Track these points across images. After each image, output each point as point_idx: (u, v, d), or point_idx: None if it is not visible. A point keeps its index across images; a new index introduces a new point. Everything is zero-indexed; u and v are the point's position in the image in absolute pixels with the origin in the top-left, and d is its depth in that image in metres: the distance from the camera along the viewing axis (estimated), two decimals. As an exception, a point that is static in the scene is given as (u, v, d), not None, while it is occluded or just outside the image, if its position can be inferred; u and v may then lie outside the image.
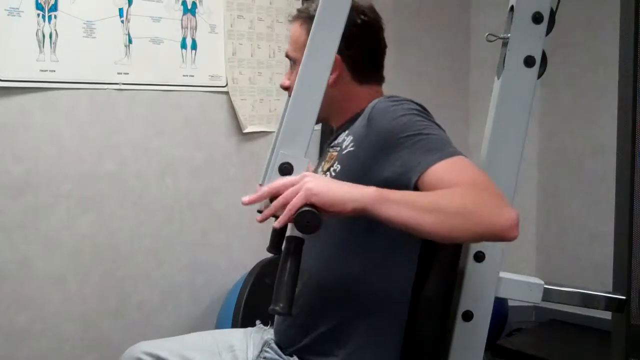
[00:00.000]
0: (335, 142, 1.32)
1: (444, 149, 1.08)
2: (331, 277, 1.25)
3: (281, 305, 1.02)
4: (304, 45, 1.24)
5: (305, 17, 1.29)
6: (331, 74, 1.26)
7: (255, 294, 2.24)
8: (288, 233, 1.10)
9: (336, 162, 1.25)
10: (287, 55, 1.35)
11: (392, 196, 0.99)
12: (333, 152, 1.31)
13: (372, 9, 1.31)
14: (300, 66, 1.12)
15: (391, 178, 1.13)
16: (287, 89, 1.35)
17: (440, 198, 1.00)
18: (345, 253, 1.24)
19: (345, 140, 1.26)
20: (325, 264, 1.26)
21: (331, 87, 1.27)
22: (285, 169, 1.10)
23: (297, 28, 1.32)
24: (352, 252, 1.24)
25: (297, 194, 1.01)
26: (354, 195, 1.00)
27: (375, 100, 1.22)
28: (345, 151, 1.24)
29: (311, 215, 1.00)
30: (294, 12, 1.35)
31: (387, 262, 1.22)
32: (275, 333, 1.37)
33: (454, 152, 1.08)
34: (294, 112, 1.12)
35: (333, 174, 1.24)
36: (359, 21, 1.28)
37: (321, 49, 1.12)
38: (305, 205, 1.01)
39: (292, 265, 1.05)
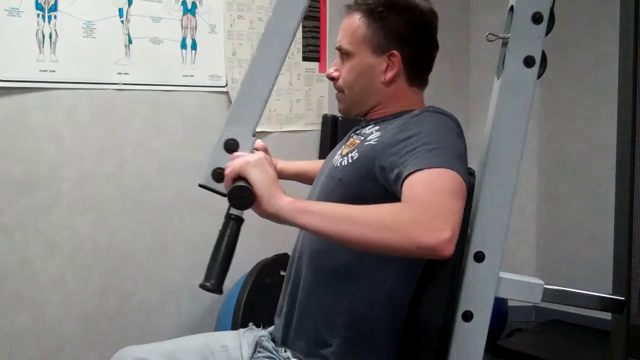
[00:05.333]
0: (362, 131, 1.33)
1: (434, 160, 1.08)
2: (329, 262, 1.26)
3: (212, 282, 1.00)
4: (363, 39, 1.28)
5: (365, 11, 1.29)
6: (389, 71, 1.28)
7: (255, 294, 2.24)
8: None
9: (355, 150, 1.27)
10: (339, 48, 1.33)
11: (311, 207, 1.02)
12: (356, 139, 1.32)
13: (432, 11, 1.31)
14: (258, 45, 1.11)
15: (385, 168, 1.15)
16: (333, 79, 1.35)
17: (367, 212, 1.01)
18: None
19: (373, 133, 1.27)
20: (324, 247, 1.26)
21: (386, 84, 1.29)
22: (231, 145, 1.09)
23: (354, 20, 1.30)
24: None
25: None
26: (276, 202, 1.01)
27: (420, 111, 1.22)
28: (367, 143, 1.25)
29: (245, 191, 1.00)
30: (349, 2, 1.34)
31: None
32: (275, 325, 1.37)
33: (441, 164, 1.07)
34: (247, 89, 1.11)
35: (350, 160, 1.26)
36: (420, 22, 1.29)
37: (281, 29, 1.10)
38: (241, 179, 1.01)
39: (228, 242, 1.04)
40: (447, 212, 1.00)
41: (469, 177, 1.25)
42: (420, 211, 1.00)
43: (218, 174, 1.08)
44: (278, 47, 1.11)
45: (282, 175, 1.55)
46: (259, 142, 1.44)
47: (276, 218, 1.02)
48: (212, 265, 1.02)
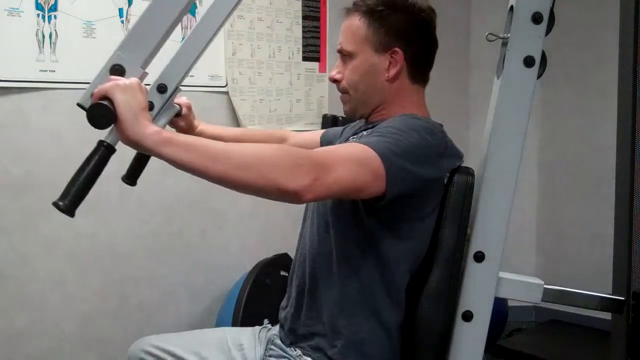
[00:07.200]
0: (360, 133, 1.34)
1: (368, 140, 1.13)
2: (332, 263, 1.26)
3: (65, 202, 0.98)
4: (364, 38, 1.29)
5: (365, 11, 1.30)
6: (392, 69, 1.29)
7: (255, 294, 2.25)
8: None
9: None
10: (340, 50, 1.34)
11: (177, 139, 0.99)
12: (351, 140, 1.34)
13: (430, 9, 1.33)
14: None
15: None
16: (336, 82, 1.36)
17: (236, 149, 1.02)
18: (341, 238, 1.26)
19: (364, 134, 1.29)
20: (326, 249, 1.27)
21: (390, 81, 1.30)
22: (116, 70, 1.06)
23: (354, 21, 1.31)
24: (348, 238, 1.25)
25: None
26: (140, 129, 0.98)
27: (402, 114, 1.27)
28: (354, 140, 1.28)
29: (106, 110, 0.97)
30: (349, 5, 1.35)
31: (386, 250, 1.23)
32: (280, 329, 1.38)
33: (367, 143, 1.11)
34: (146, 19, 1.08)
35: None
36: (420, 19, 1.30)
37: None
38: (106, 99, 0.98)
39: (93, 168, 1.01)
40: (324, 166, 1.02)
41: (469, 177, 1.25)
42: (294, 156, 1.02)
43: None
44: None
45: (201, 135, 1.55)
46: (183, 99, 1.47)
47: (139, 146, 0.99)
48: (70, 186, 0.99)
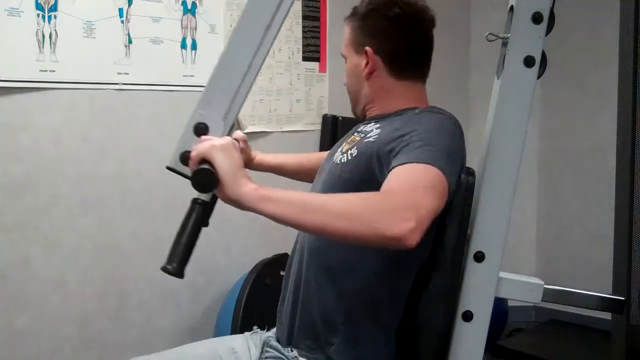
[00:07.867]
0: (363, 128, 1.34)
1: (421, 155, 1.10)
2: (329, 260, 1.26)
3: (174, 265, 1.00)
4: (349, 41, 1.32)
5: (353, 14, 1.33)
6: (365, 67, 1.30)
7: (255, 294, 2.24)
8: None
9: (355, 147, 1.28)
10: (341, 54, 1.38)
11: (274, 195, 1.01)
12: (356, 137, 1.33)
13: (408, 3, 1.30)
14: (234, 29, 1.10)
15: (382, 165, 1.17)
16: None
17: (333, 200, 1.03)
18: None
19: (373, 130, 1.28)
20: (323, 245, 1.26)
21: (366, 80, 1.31)
22: (200, 129, 1.07)
23: (346, 26, 1.35)
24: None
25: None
26: (239, 189, 1.00)
27: (421, 110, 1.25)
28: (366, 139, 1.26)
29: (209, 174, 0.99)
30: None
31: (390, 251, 1.22)
32: (277, 327, 1.37)
33: (424, 160, 1.09)
34: (221, 74, 1.09)
35: (349, 157, 1.27)
36: (390, 14, 1.29)
37: (258, 13, 1.08)
38: (206, 163, 1.00)
39: (192, 226, 1.03)
40: (415, 204, 1.01)
41: (469, 177, 1.25)
42: (386, 201, 1.01)
43: (185, 157, 1.06)
44: (257, 30, 1.08)
45: (260, 167, 1.58)
46: (238, 133, 1.46)
47: (238, 204, 1.01)
48: (175, 249, 1.01)
